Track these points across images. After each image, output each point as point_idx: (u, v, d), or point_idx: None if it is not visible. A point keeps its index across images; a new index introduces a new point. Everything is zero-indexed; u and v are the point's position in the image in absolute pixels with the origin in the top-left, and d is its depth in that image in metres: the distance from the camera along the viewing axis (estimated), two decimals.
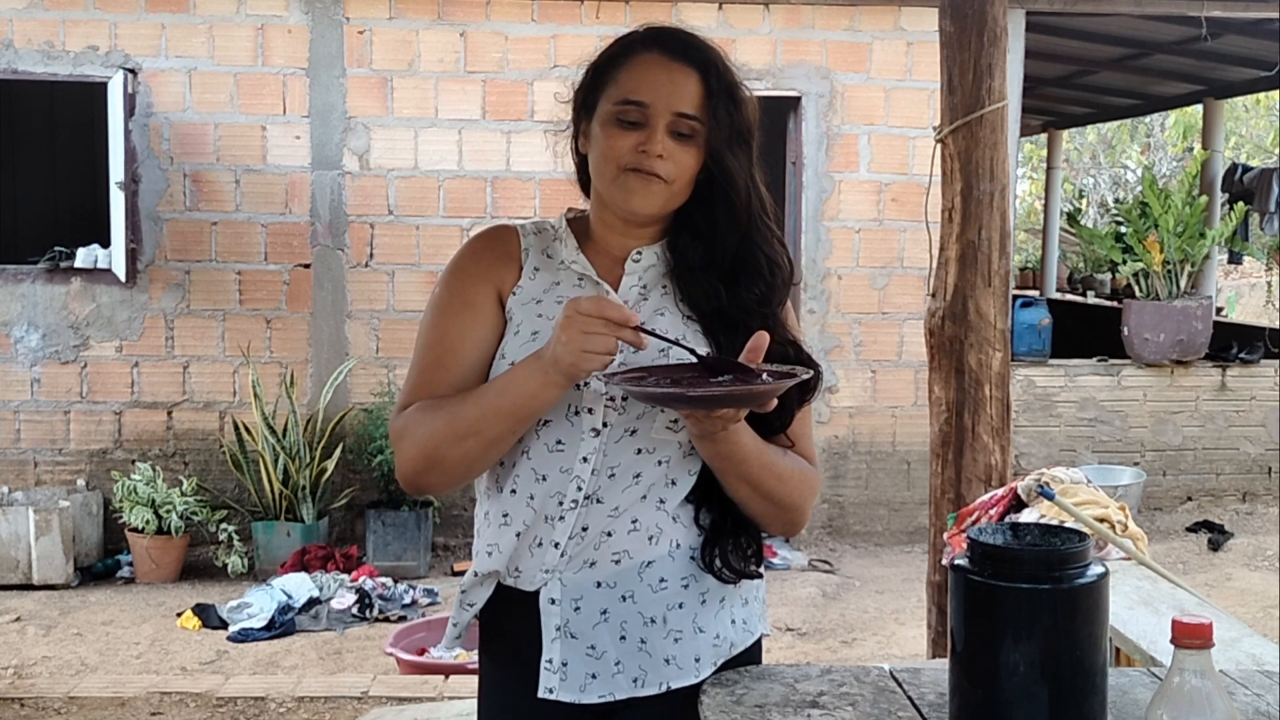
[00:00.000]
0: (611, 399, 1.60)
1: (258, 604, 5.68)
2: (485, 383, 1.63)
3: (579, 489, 1.60)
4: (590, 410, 1.60)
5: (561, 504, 1.61)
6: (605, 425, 1.60)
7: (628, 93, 1.62)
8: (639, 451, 1.60)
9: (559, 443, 1.61)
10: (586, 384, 1.59)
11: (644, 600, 1.62)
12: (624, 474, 1.60)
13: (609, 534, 1.61)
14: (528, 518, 1.62)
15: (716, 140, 1.62)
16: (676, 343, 1.55)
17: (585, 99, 1.68)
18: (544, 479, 1.61)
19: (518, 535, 1.63)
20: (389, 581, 6.09)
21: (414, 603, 5.95)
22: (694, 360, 1.54)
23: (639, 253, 1.69)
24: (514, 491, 1.64)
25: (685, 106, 1.61)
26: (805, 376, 1.51)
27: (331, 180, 6.98)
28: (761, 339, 1.50)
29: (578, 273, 1.69)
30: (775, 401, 1.48)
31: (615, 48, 1.68)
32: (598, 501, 1.61)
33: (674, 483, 1.63)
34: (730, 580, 1.66)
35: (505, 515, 1.64)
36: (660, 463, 1.61)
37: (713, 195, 1.65)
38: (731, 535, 1.65)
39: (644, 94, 1.61)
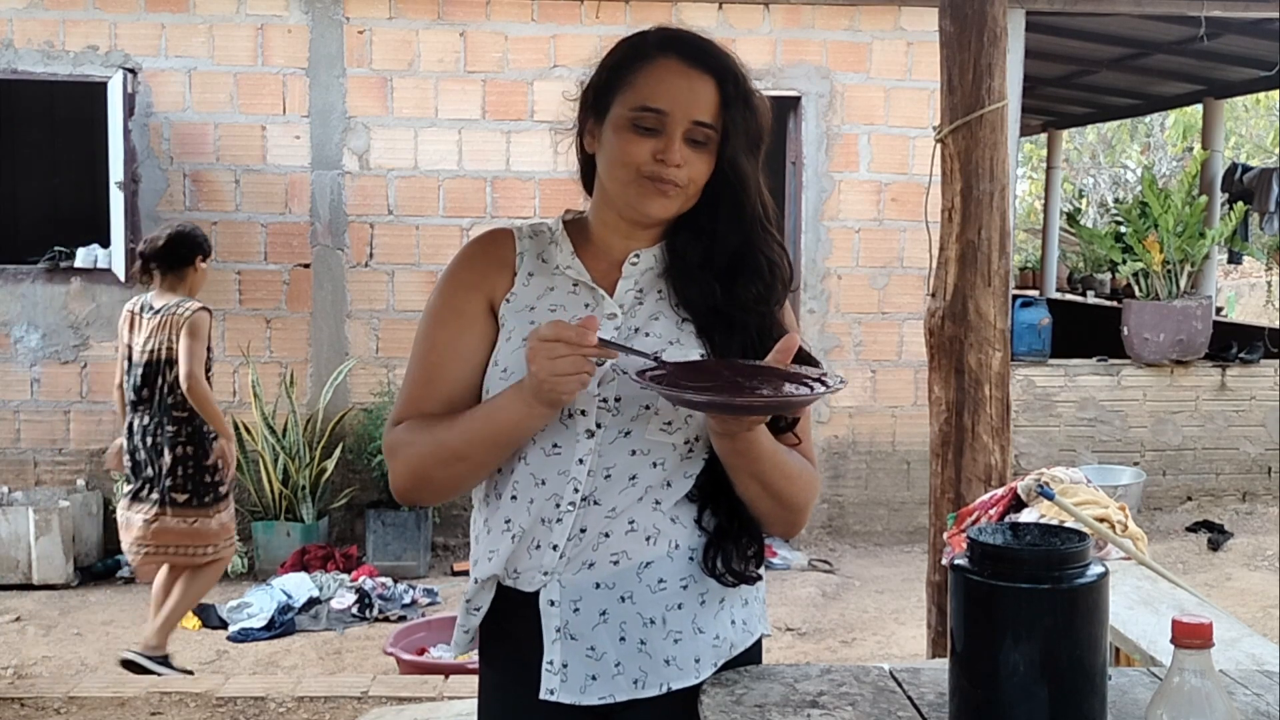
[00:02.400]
0: (604, 400, 1.59)
1: (258, 604, 5.68)
2: (476, 393, 1.64)
3: (576, 491, 1.60)
4: (584, 412, 1.60)
5: (559, 506, 1.61)
6: (599, 427, 1.60)
7: (645, 99, 1.61)
8: (634, 453, 1.60)
9: (555, 446, 1.61)
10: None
11: (643, 601, 1.62)
12: (620, 475, 1.60)
13: (607, 535, 1.61)
14: (525, 521, 1.62)
15: (733, 147, 1.63)
16: (641, 353, 1.54)
17: (596, 99, 1.67)
18: (542, 483, 1.61)
19: (514, 539, 1.63)
20: (389, 581, 6.10)
21: (414, 603, 5.96)
22: (711, 355, 1.57)
23: (637, 255, 1.69)
24: (514, 497, 1.64)
25: (703, 115, 1.61)
26: (837, 386, 1.51)
27: (331, 180, 6.98)
28: (791, 341, 1.52)
29: (572, 278, 1.68)
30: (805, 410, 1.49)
31: (629, 50, 1.66)
32: (595, 503, 1.60)
33: (670, 484, 1.63)
34: (730, 584, 1.66)
35: (506, 521, 1.64)
36: (656, 464, 1.61)
37: (719, 197, 1.65)
38: (734, 538, 1.65)
39: (662, 101, 1.61)
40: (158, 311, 4.69)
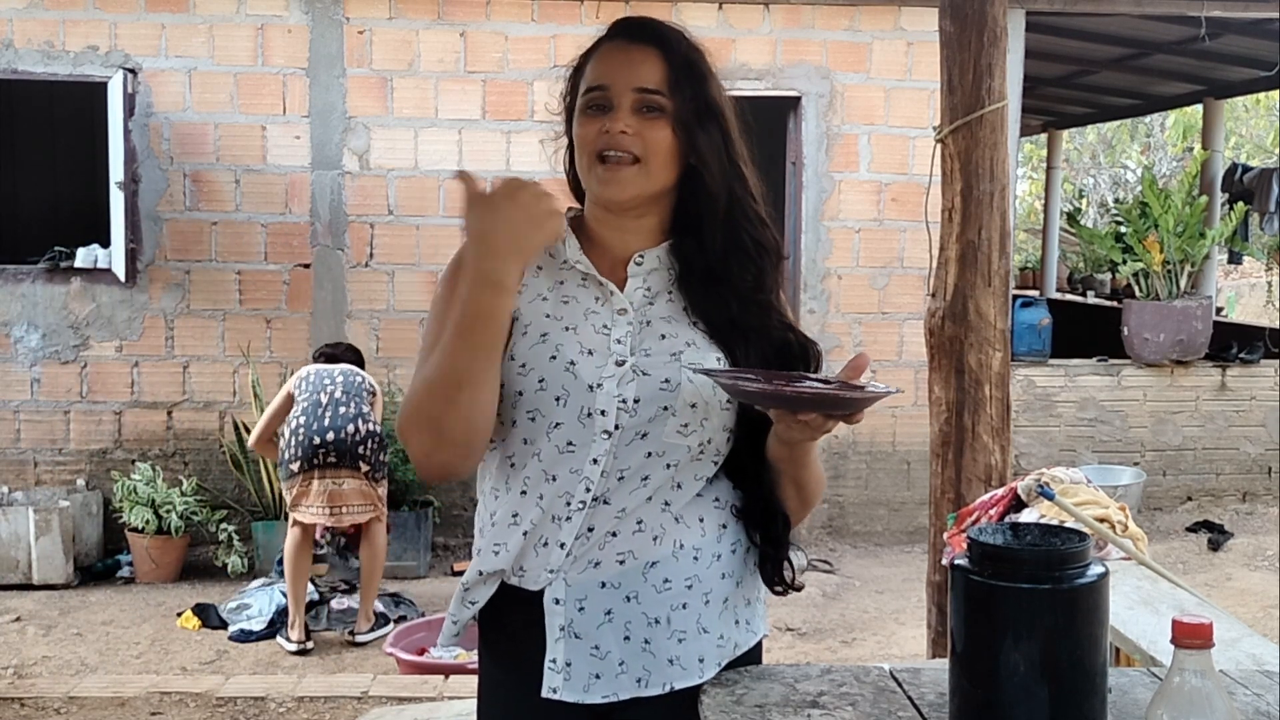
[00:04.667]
0: (624, 401, 1.59)
1: (257, 604, 5.68)
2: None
3: (587, 490, 1.60)
4: (603, 412, 1.59)
5: (569, 504, 1.60)
6: (617, 428, 1.59)
7: (590, 81, 1.65)
8: (649, 455, 1.60)
9: (569, 444, 1.60)
10: (600, 385, 1.59)
11: (648, 601, 1.62)
12: (633, 476, 1.60)
13: (614, 534, 1.61)
14: (535, 517, 1.62)
15: (684, 113, 1.63)
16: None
17: (569, 104, 1.72)
18: (553, 479, 1.61)
19: (524, 534, 1.63)
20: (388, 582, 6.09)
21: (413, 603, 5.95)
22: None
23: (641, 256, 1.69)
24: (524, 492, 1.63)
25: (645, 82, 1.62)
26: (890, 391, 1.53)
27: (331, 180, 6.98)
28: (862, 360, 1.53)
29: (581, 272, 1.69)
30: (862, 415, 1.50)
31: (585, 52, 1.71)
32: (605, 503, 1.61)
33: (680, 485, 1.63)
34: (781, 593, 1.72)
35: (515, 515, 1.64)
36: (669, 466, 1.61)
37: (694, 183, 1.67)
38: (787, 549, 1.72)
39: (604, 77, 1.64)
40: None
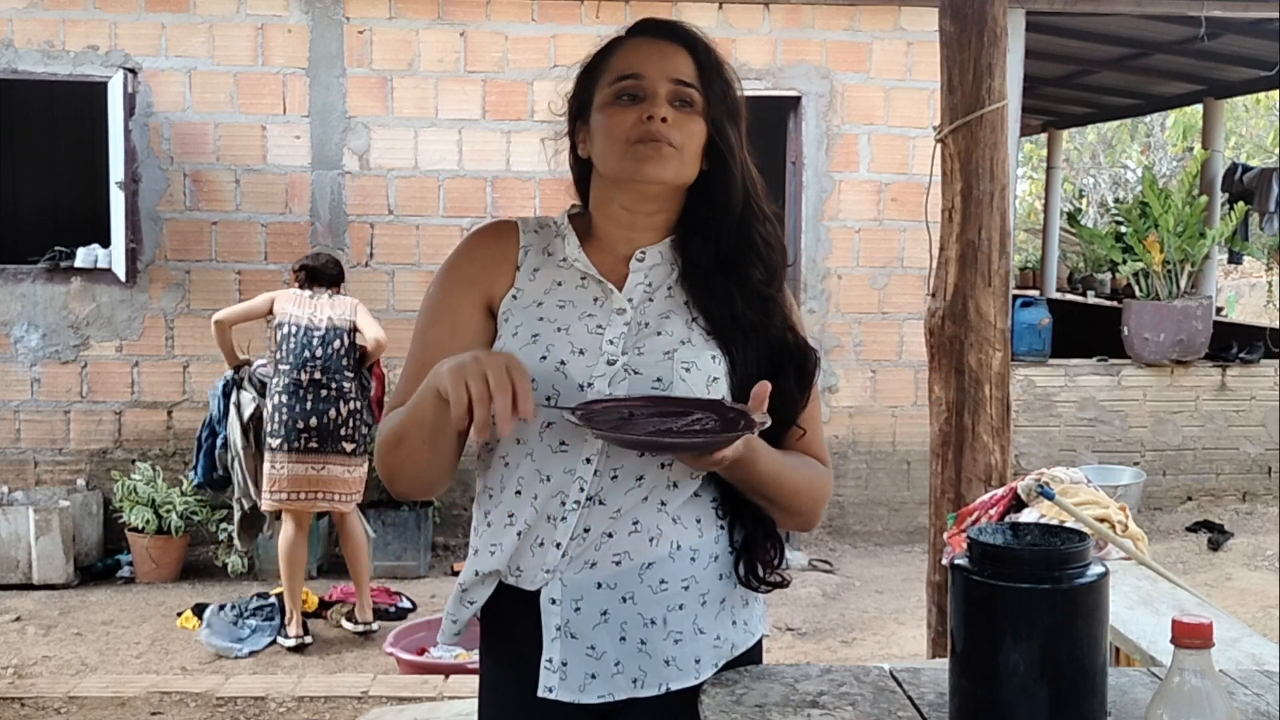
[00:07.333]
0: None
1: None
2: None
3: (581, 490, 1.60)
4: None
5: (564, 504, 1.60)
6: None
7: (622, 70, 1.65)
8: (642, 454, 1.60)
9: (562, 444, 1.60)
10: (591, 385, 1.59)
11: (644, 601, 1.62)
12: (626, 476, 1.60)
13: (610, 535, 1.61)
14: (530, 517, 1.62)
15: (718, 111, 1.65)
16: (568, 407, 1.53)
17: (581, 102, 1.70)
18: (547, 479, 1.61)
19: (519, 534, 1.63)
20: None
21: (410, 599, 5.95)
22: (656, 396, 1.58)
23: (643, 252, 1.69)
24: (518, 492, 1.63)
25: (682, 74, 1.64)
26: (763, 424, 1.49)
27: (331, 180, 6.98)
28: (762, 389, 1.50)
29: (580, 271, 1.69)
30: (723, 454, 1.46)
31: (603, 48, 1.71)
32: (600, 503, 1.60)
33: (675, 485, 1.63)
34: (764, 591, 1.69)
35: (510, 515, 1.64)
36: (663, 465, 1.61)
37: (712, 182, 1.67)
38: (762, 547, 1.68)
39: (638, 66, 1.64)
40: (332, 297, 5.57)
